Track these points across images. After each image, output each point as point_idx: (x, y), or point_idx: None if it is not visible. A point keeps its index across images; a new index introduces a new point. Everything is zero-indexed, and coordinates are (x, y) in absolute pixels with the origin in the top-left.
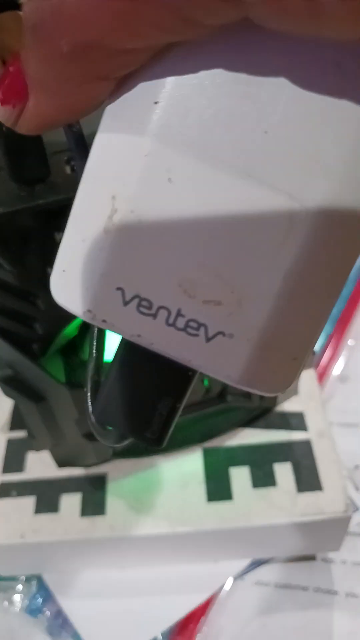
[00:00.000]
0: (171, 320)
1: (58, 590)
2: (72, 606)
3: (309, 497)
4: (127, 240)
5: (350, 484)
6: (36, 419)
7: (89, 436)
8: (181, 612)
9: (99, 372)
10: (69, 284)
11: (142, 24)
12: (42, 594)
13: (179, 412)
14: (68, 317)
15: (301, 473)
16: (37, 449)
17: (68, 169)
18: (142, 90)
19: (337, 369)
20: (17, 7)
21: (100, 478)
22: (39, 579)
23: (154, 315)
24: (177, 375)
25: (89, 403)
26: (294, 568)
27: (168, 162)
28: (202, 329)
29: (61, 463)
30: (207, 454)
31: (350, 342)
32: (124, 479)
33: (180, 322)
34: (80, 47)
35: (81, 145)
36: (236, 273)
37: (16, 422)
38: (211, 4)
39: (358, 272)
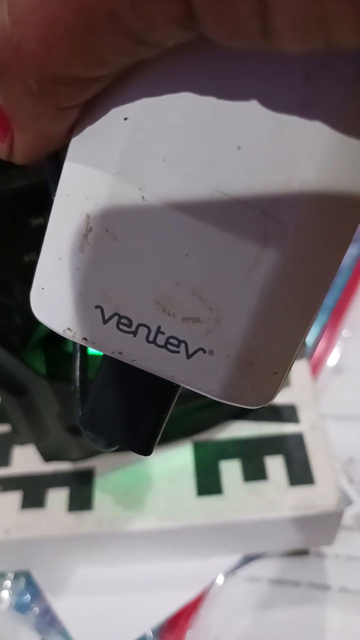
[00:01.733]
0: (151, 338)
1: (47, 587)
2: (60, 603)
3: (301, 490)
4: (102, 259)
5: (343, 477)
6: (18, 413)
7: (73, 430)
8: (171, 609)
9: (85, 370)
10: (48, 301)
11: (102, 51)
12: (30, 590)
13: (165, 422)
14: None
15: (293, 466)
16: (21, 443)
17: None
18: (110, 107)
19: (332, 360)
20: None
21: (88, 473)
22: (28, 576)
23: (134, 333)
24: (162, 388)
25: (78, 408)
26: (286, 563)
27: (140, 180)
28: (182, 346)
29: (47, 457)
30: (197, 448)
31: (345, 332)
32: (112, 473)
33: (161, 339)
34: (48, 81)
35: (54, 168)
36: (213, 291)
37: (0, 416)
38: (167, 28)
39: (353, 263)
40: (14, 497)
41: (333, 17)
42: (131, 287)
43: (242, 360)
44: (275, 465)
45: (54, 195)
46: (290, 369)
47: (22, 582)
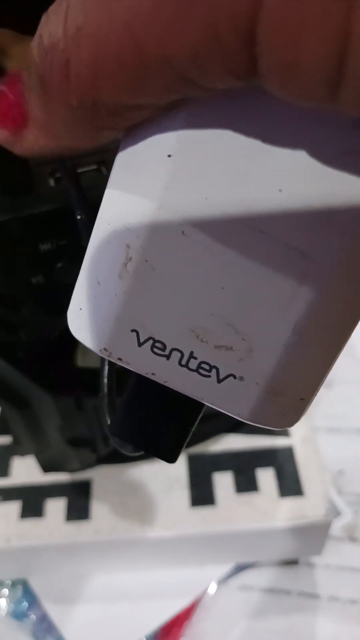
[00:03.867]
0: (184, 362)
1: (43, 594)
2: (57, 610)
3: (291, 502)
4: (140, 287)
5: (333, 488)
6: (20, 425)
7: (73, 442)
8: (165, 616)
9: (113, 378)
10: (85, 321)
11: (150, 88)
12: (27, 598)
13: (191, 433)
14: (53, 325)
15: (283, 478)
16: (22, 454)
17: (52, 181)
18: (155, 142)
19: None
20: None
21: (85, 483)
22: (25, 584)
23: (168, 357)
24: (190, 403)
25: (106, 415)
26: (277, 572)
27: (181, 216)
28: (213, 371)
29: (46, 468)
30: (192, 459)
31: None
32: (109, 484)
33: (193, 364)
34: (89, 103)
35: (78, 191)
36: (247, 323)
37: (1, 427)
38: (223, 77)
39: None
40: (14, 507)
41: None
42: (167, 314)
43: (272, 388)
44: (266, 477)
45: (78, 215)
46: (315, 395)
47: (19, 589)
